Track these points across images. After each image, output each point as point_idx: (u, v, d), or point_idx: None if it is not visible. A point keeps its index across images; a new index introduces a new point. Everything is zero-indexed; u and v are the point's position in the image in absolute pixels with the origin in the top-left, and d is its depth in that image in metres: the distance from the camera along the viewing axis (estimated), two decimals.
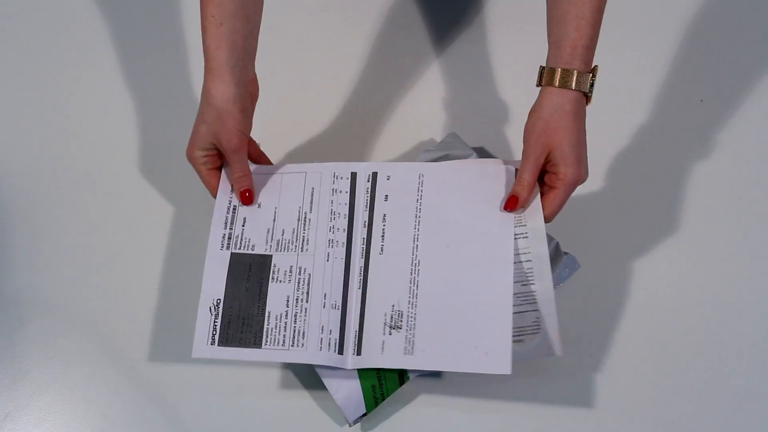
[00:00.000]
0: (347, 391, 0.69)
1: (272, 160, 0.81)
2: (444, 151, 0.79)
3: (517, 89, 0.91)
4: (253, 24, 0.69)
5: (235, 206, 0.74)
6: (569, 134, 0.68)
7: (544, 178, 0.71)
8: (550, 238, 0.77)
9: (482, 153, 0.84)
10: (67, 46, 0.95)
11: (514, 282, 0.68)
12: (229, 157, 0.71)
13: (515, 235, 0.70)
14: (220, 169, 0.74)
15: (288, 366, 0.77)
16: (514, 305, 0.68)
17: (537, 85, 0.70)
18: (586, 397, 0.75)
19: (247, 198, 0.73)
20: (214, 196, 0.74)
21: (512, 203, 0.70)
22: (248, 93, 0.70)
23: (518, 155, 0.73)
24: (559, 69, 0.68)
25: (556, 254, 0.77)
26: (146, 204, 0.85)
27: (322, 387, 0.72)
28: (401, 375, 0.71)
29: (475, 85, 0.92)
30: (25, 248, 0.82)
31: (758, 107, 0.91)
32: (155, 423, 0.74)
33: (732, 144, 0.88)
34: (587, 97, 0.69)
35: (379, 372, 0.70)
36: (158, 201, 0.85)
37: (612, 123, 0.89)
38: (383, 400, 0.70)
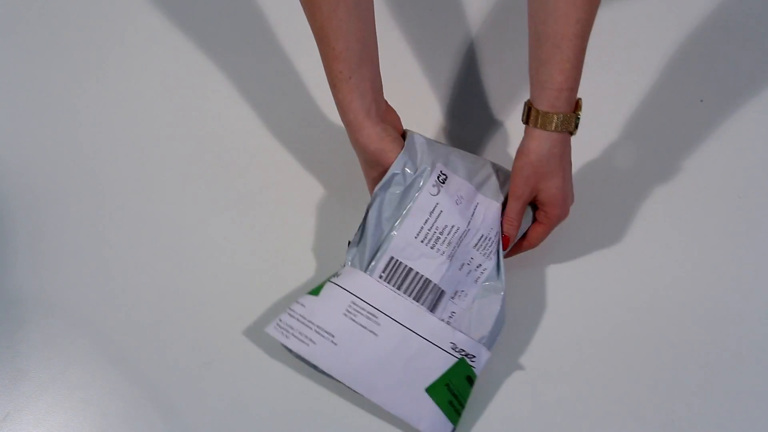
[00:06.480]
0: (431, 418, 0.69)
1: (257, 165, 0.80)
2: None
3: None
4: (376, 62, 0.70)
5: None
6: (557, 178, 0.71)
7: (534, 212, 0.76)
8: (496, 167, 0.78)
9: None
10: (69, 44, 0.95)
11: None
12: None
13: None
14: None
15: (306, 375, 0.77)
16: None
17: (524, 123, 0.71)
18: (585, 397, 0.75)
19: None
20: None
21: (505, 241, 0.74)
22: (390, 122, 0.73)
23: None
24: (547, 113, 0.68)
25: None
26: (146, 204, 0.85)
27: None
28: (469, 378, 0.70)
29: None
30: (26, 248, 0.82)
31: (758, 107, 0.91)
32: (155, 423, 0.74)
33: (732, 144, 0.88)
34: (572, 133, 0.71)
35: (448, 383, 0.69)
36: (158, 201, 0.85)
37: (612, 123, 0.89)
38: (463, 408, 0.70)
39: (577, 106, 0.70)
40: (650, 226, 0.84)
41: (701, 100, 0.91)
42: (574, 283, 0.80)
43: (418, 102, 0.92)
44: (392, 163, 0.71)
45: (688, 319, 0.79)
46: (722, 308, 0.79)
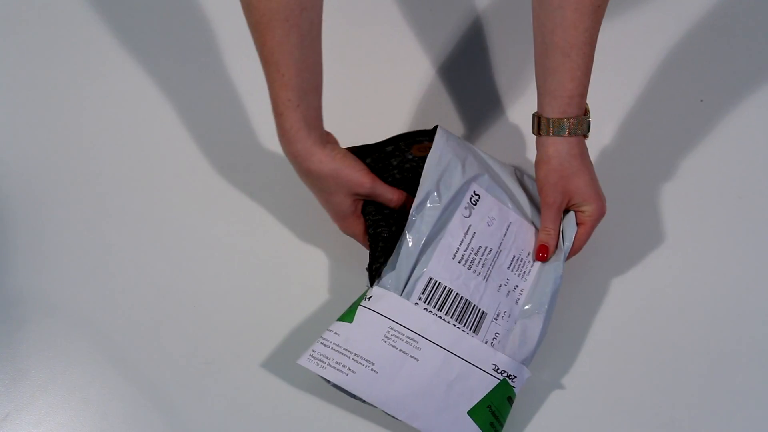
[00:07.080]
0: None
1: (257, 165, 0.79)
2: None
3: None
4: (320, 90, 0.69)
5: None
6: (584, 176, 0.72)
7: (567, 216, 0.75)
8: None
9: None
10: (69, 44, 0.95)
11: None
12: (373, 196, 0.72)
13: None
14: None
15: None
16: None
17: (535, 134, 0.72)
18: (585, 397, 0.75)
19: None
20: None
21: (543, 251, 0.74)
22: (332, 141, 0.72)
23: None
24: (559, 119, 0.70)
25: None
26: (147, 204, 0.85)
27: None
28: (509, 399, 0.70)
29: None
30: (26, 248, 0.82)
31: (758, 107, 0.91)
32: (155, 423, 0.74)
33: (732, 144, 0.88)
34: (585, 135, 0.73)
35: (490, 405, 0.69)
36: (159, 201, 0.85)
37: (612, 123, 0.89)
38: (502, 427, 0.70)
39: (586, 110, 0.72)
40: (649, 227, 0.84)
41: (701, 100, 0.91)
42: (573, 283, 0.80)
43: (419, 102, 0.92)
44: (354, 178, 0.69)
45: (688, 319, 0.79)
46: (722, 308, 0.79)
